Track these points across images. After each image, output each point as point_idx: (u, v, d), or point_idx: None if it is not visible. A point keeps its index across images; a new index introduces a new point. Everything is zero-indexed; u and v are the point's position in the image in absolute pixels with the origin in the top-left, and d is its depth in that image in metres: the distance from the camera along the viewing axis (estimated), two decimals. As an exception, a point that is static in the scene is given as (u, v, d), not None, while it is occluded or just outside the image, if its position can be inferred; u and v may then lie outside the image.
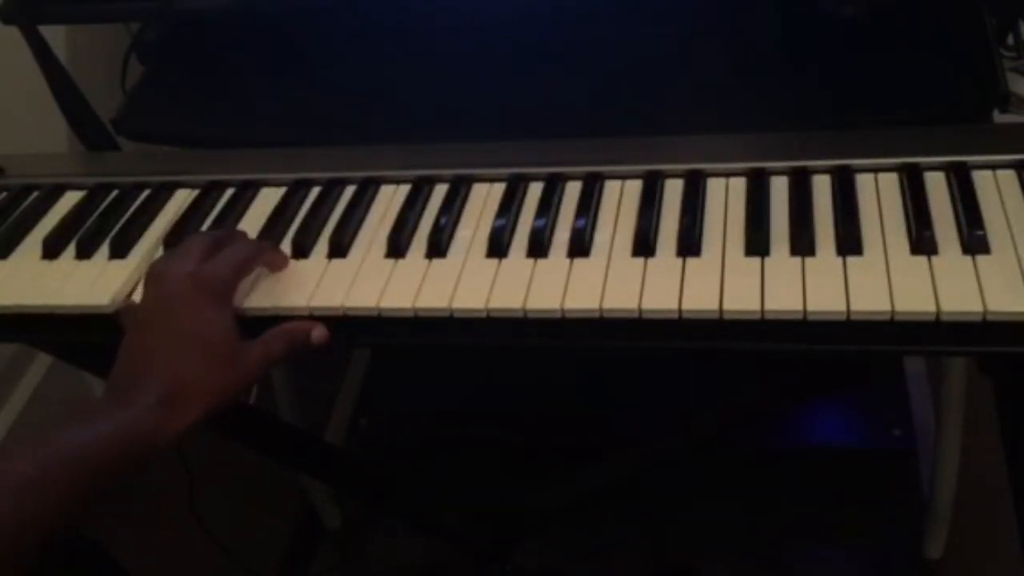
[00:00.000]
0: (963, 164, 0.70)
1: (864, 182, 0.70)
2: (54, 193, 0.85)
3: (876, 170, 0.71)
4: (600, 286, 0.65)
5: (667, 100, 0.86)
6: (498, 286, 0.67)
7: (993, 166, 0.70)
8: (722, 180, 0.73)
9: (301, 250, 0.74)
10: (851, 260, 0.64)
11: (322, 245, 0.74)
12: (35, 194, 0.85)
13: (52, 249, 0.78)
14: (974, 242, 0.63)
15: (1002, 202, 0.67)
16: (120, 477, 0.59)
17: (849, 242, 0.65)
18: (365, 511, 1.47)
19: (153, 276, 0.67)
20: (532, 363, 1.43)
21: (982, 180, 0.69)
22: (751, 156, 0.74)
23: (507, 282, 0.67)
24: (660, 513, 1.38)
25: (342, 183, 0.80)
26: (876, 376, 1.41)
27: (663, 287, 0.64)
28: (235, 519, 1.40)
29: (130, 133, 0.97)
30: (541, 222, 0.71)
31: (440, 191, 0.77)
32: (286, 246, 0.74)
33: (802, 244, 0.66)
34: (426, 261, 0.71)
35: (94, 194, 0.84)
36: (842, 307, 0.61)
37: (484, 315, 0.66)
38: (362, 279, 0.70)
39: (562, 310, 0.65)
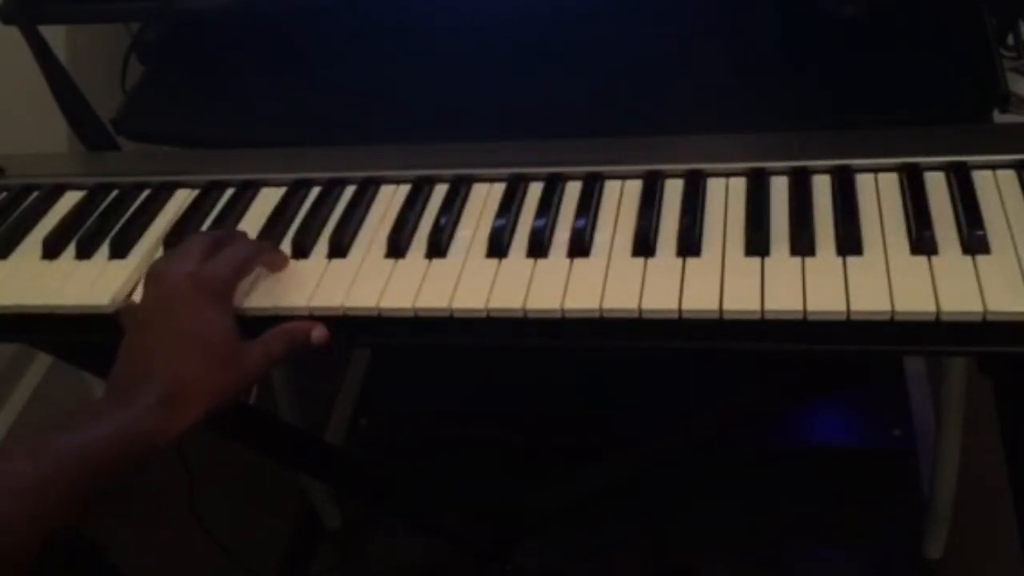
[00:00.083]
0: (963, 164, 0.70)
1: (864, 182, 0.70)
2: (54, 193, 0.85)
3: (876, 170, 0.71)
4: (600, 286, 0.65)
5: (667, 100, 0.86)
6: (498, 286, 0.67)
7: (993, 166, 0.70)
8: (722, 180, 0.73)
9: (301, 250, 0.74)
10: (851, 260, 0.64)
11: (322, 245, 0.74)
12: (35, 194, 0.85)
13: (52, 249, 0.78)
14: (974, 242, 0.63)
15: (1002, 202, 0.67)
16: (120, 477, 0.59)
17: (849, 242, 0.65)
18: (365, 511, 1.47)
19: (153, 276, 0.67)
20: (532, 363, 1.43)
21: (982, 180, 0.69)
22: (751, 156, 0.74)
23: (507, 282, 0.67)
24: (660, 513, 1.38)
25: (342, 183, 0.80)
26: (876, 376, 1.41)
27: (663, 287, 0.64)
28: (235, 519, 1.40)
29: (130, 133, 0.97)
30: (541, 222, 0.71)
31: (440, 191, 0.77)
32: (286, 246, 0.74)
33: (802, 244, 0.66)
34: (426, 261, 0.71)
35: (94, 194, 0.84)
36: (842, 307, 0.61)
37: (484, 315, 0.66)
38: (362, 279, 0.70)
39: (562, 310, 0.65)
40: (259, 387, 1.29)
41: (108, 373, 0.64)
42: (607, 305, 0.64)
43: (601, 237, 0.70)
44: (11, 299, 0.73)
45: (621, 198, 0.73)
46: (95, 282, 0.74)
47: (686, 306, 0.63)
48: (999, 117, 0.82)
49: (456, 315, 0.67)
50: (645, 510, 1.38)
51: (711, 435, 1.12)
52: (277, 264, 0.72)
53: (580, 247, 0.69)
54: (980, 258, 0.62)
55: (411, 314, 0.67)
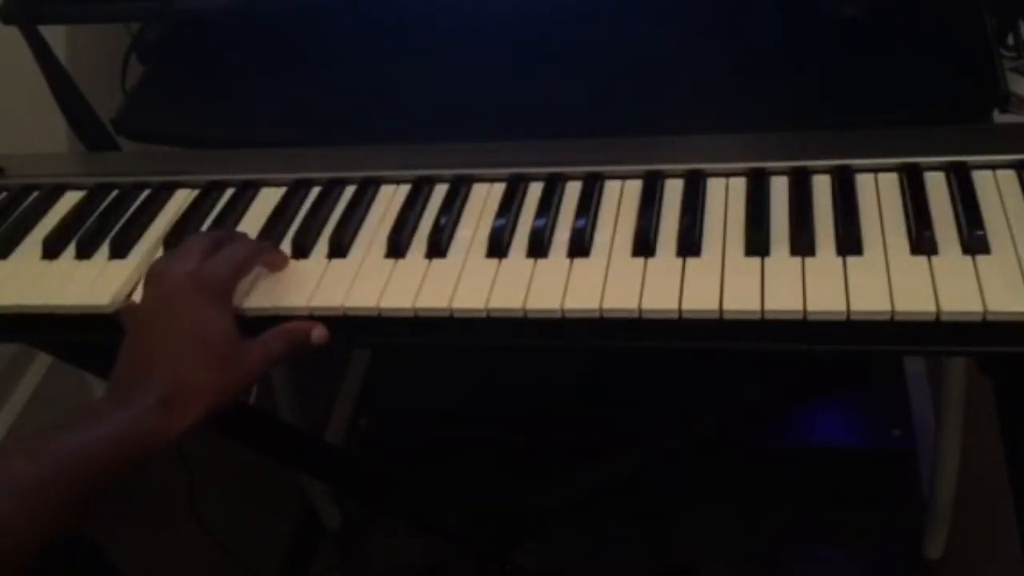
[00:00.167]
0: (963, 164, 0.70)
1: (864, 182, 0.70)
2: (54, 193, 0.85)
3: (876, 170, 0.71)
4: (600, 286, 0.65)
5: (667, 100, 0.86)
6: (498, 286, 0.67)
7: (993, 166, 0.70)
8: (722, 180, 0.73)
9: (301, 250, 0.74)
10: (851, 260, 0.64)
11: (322, 245, 0.74)
12: (35, 194, 0.85)
13: (52, 249, 0.78)
14: (974, 242, 0.63)
15: (1002, 202, 0.67)
16: (120, 477, 0.59)
17: (849, 242, 0.65)
18: (365, 511, 1.47)
19: (153, 276, 0.67)
20: (532, 363, 1.43)
21: (982, 180, 0.69)
22: (751, 156, 0.74)
23: (507, 282, 0.67)
24: (660, 513, 1.38)
25: (342, 183, 0.80)
26: (876, 376, 1.41)
27: (663, 287, 0.64)
28: (235, 519, 1.40)
29: (130, 133, 0.97)
30: (541, 222, 0.71)
31: (440, 191, 0.77)
32: (286, 246, 0.74)
33: (802, 244, 0.66)
34: (426, 261, 0.71)
35: (94, 194, 0.84)
36: (842, 307, 0.61)
37: (484, 315, 0.66)
38: (362, 279, 0.70)
39: (562, 310, 0.65)
40: (259, 387, 1.29)
41: (108, 373, 0.64)
42: (607, 305, 0.64)
43: (601, 237, 0.70)
44: (11, 299, 0.73)
45: (621, 198, 0.73)
46: (95, 282, 0.74)
47: (686, 306, 0.63)
48: (999, 117, 0.82)
49: (456, 315, 0.67)
50: (645, 510, 1.38)
51: (711, 435, 1.12)
52: (277, 264, 0.72)
53: (580, 247, 0.69)
54: (980, 258, 0.62)
55: (411, 314, 0.67)
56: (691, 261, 0.66)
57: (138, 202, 0.82)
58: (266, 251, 0.72)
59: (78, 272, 0.75)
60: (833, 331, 0.61)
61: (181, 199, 0.82)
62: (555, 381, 1.44)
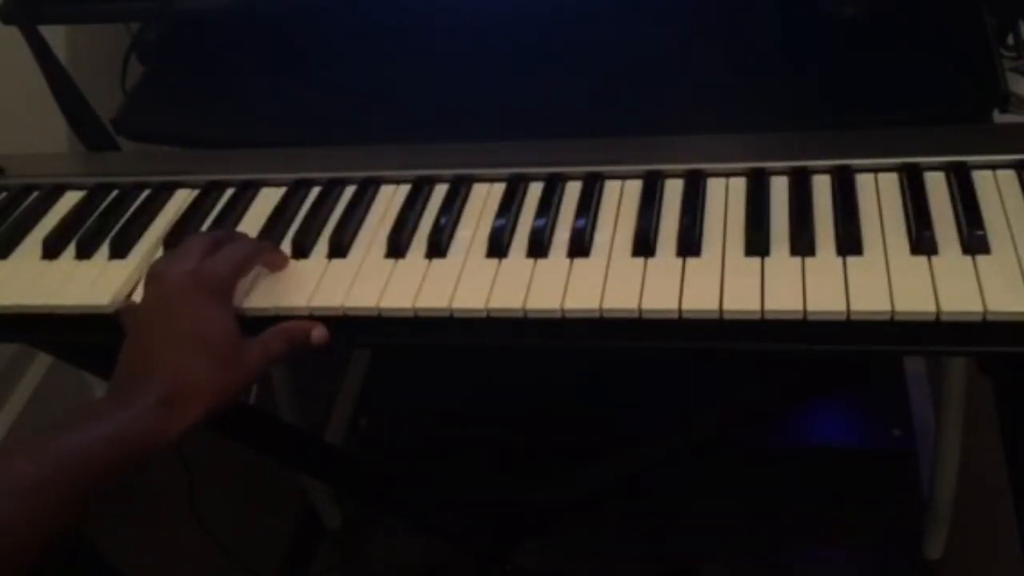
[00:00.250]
0: (963, 164, 0.70)
1: (864, 182, 0.70)
2: (54, 193, 0.85)
3: (876, 170, 0.71)
4: (600, 286, 0.65)
5: (667, 100, 0.86)
6: (498, 286, 0.67)
7: (993, 166, 0.70)
8: (722, 180, 0.73)
9: (301, 250, 0.74)
10: (851, 260, 0.64)
11: (322, 245, 0.74)
12: (35, 194, 0.85)
13: (52, 249, 0.78)
14: (974, 242, 0.63)
15: (1002, 202, 0.67)
16: (121, 477, 0.59)
17: (849, 242, 0.65)
18: (365, 511, 1.47)
19: (153, 276, 0.67)
20: (532, 363, 1.43)
21: (982, 180, 0.69)
22: (751, 156, 0.74)
23: (507, 282, 0.67)
24: (660, 513, 1.38)
25: (342, 183, 0.80)
26: (876, 376, 1.41)
27: (663, 287, 0.64)
28: (235, 519, 1.40)
29: (130, 133, 0.97)
30: (541, 222, 0.71)
31: (440, 191, 0.77)
32: (286, 246, 0.74)
33: (802, 244, 0.66)
34: (426, 261, 0.71)
35: (94, 194, 0.84)
36: (842, 307, 0.61)
37: (484, 315, 0.66)
38: (362, 279, 0.70)
39: (562, 310, 0.65)
40: (259, 387, 1.29)
41: (108, 373, 0.64)
42: (607, 305, 0.64)
43: (601, 237, 0.70)
44: (11, 299, 0.73)
45: (621, 198, 0.73)
46: (95, 282, 0.74)
47: (686, 306, 0.63)
48: (999, 117, 0.82)
49: (456, 315, 0.67)
50: (645, 510, 1.38)
51: (711, 435, 1.12)
52: (277, 264, 0.72)
53: (580, 247, 0.69)
54: (980, 258, 0.62)
55: (411, 314, 0.67)
56: (691, 261, 0.66)
57: (138, 202, 0.82)
58: (266, 251, 0.72)
59: (78, 272, 0.75)
60: (833, 331, 0.61)
61: (181, 199, 0.82)
62: (555, 381, 1.44)
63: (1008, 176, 0.69)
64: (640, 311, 0.63)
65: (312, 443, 1.28)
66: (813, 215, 0.68)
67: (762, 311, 0.62)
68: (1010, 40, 0.89)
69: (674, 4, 0.90)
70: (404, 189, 0.78)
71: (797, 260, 0.65)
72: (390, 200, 0.77)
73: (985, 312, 0.59)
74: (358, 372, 1.56)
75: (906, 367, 1.42)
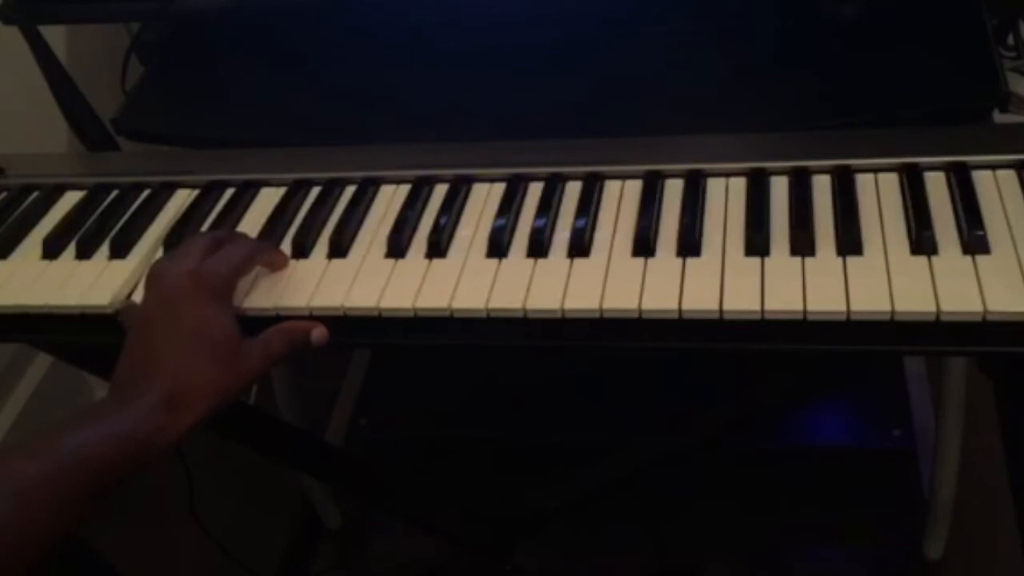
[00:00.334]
0: (963, 164, 0.70)
1: (864, 182, 0.70)
2: (54, 193, 0.85)
3: (876, 170, 0.71)
4: (600, 286, 0.65)
5: (667, 100, 0.86)
6: (498, 286, 0.67)
7: (993, 166, 0.70)
8: (722, 180, 0.73)
9: (301, 250, 0.74)
10: (851, 260, 0.64)
11: (322, 245, 0.74)
12: (35, 194, 0.85)
13: (52, 249, 0.78)
14: (974, 242, 0.63)
15: (1002, 202, 0.67)
16: (122, 478, 0.59)
17: (849, 242, 0.65)
18: (365, 511, 1.47)
19: (153, 276, 0.67)
20: (532, 363, 1.43)
21: (982, 180, 0.69)
22: (751, 156, 0.74)
23: (507, 282, 0.67)
24: (660, 513, 1.38)
25: (342, 183, 0.80)
26: (876, 376, 1.41)
27: (663, 287, 0.64)
28: (235, 519, 1.40)
29: (130, 133, 0.97)
30: (541, 222, 0.71)
31: (440, 191, 0.77)
32: (286, 246, 0.74)
33: (802, 244, 0.66)
34: (426, 261, 0.71)
35: (94, 194, 0.84)
36: (842, 307, 0.61)
37: (484, 315, 0.66)
38: (362, 279, 0.70)
39: (562, 310, 0.65)
40: (259, 387, 1.29)
41: (108, 373, 0.64)
42: (607, 305, 0.64)
43: (601, 237, 0.70)
44: (11, 299, 0.73)
45: (621, 198, 0.73)
46: (95, 282, 0.74)
47: (686, 306, 0.63)
48: (999, 117, 0.82)
49: (456, 315, 0.67)
50: (645, 510, 1.38)
51: (711, 435, 1.12)
52: (277, 264, 0.72)
53: (580, 247, 0.69)
54: (980, 258, 0.62)
55: (411, 314, 0.67)
56: (691, 261, 0.66)
57: (138, 202, 0.82)
58: (266, 251, 0.71)
59: (78, 272, 0.75)
60: (833, 331, 0.61)
61: (181, 199, 0.82)
62: (555, 381, 1.44)
63: (1008, 176, 0.69)
64: (640, 311, 0.63)
65: (312, 443, 1.28)
66: (813, 215, 0.68)
67: (762, 311, 0.62)
68: (1010, 40, 0.89)
69: (674, 4, 0.90)
70: (404, 189, 0.78)
71: (797, 260, 0.65)
72: (390, 200, 0.77)
73: (985, 312, 0.59)
74: (358, 372, 1.56)
75: (906, 367, 1.42)
